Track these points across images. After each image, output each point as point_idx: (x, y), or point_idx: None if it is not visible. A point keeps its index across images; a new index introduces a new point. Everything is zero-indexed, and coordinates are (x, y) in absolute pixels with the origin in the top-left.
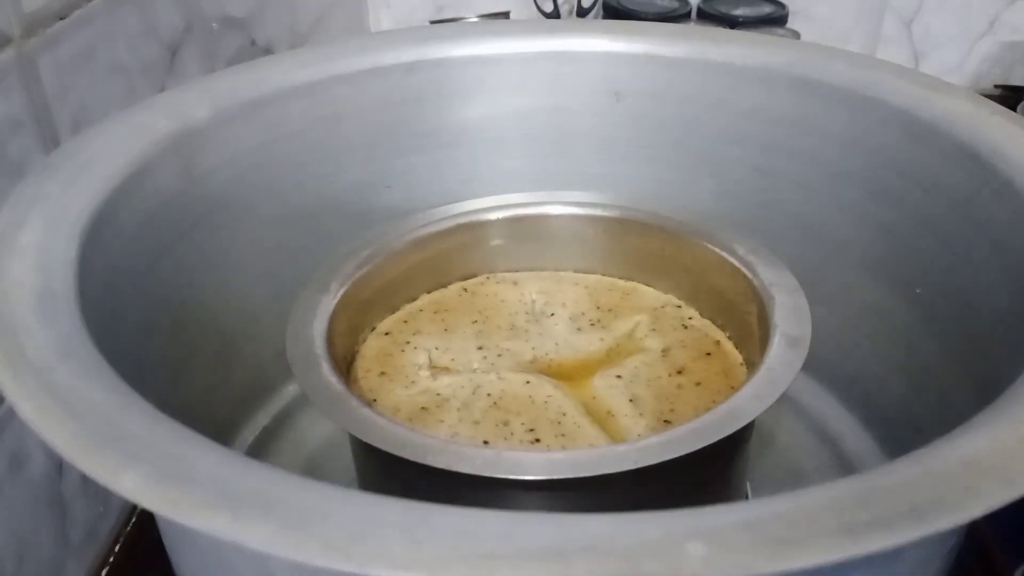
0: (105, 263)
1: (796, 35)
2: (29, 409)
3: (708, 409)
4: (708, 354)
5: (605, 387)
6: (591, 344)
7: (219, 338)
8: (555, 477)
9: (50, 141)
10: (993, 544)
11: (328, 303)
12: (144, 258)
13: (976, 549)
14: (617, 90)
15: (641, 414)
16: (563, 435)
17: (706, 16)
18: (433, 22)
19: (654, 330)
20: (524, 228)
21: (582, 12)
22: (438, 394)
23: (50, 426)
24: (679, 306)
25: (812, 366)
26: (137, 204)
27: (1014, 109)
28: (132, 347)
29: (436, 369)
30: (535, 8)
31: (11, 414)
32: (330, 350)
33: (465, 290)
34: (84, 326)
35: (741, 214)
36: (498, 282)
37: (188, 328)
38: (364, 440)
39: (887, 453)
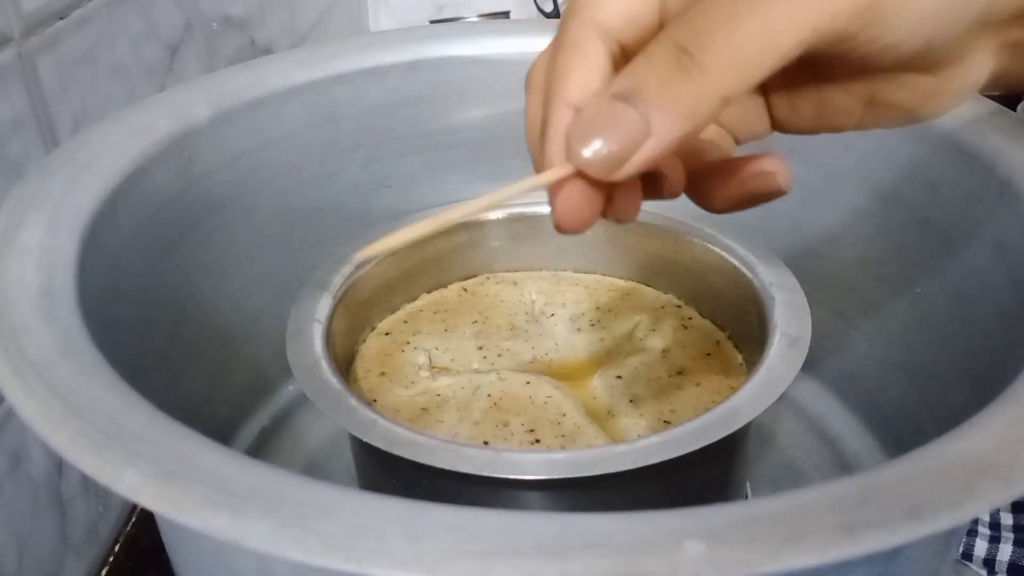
0: (105, 263)
1: None
2: (29, 408)
3: (708, 409)
4: (708, 354)
5: (605, 387)
6: (591, 344)
7: (219, 338)
8: (555, 477)
9: (50, 141)
10: None
11: (328, 303)
12: (144, 258)
13: None
14: None
15: (641, 414)
16: (563, 435)
17: None
18: (433, 22)
19: (654, 330)
20: (524, 228)
21: None
22: (438, 395)
23: (50, 426)
24: (679, 306)
25: (812, 366)
26: (137, 204)
27: (1014, 109)
28: (132, 347)
29: (436, 369)
30: (535, 8)
31: (11, 413)
32: (330, 350)
33: (465, 290)
34: (84, 325)
35: (740, 214)
36: (498, 282)
37: (188, 328)
38: (364, 440)
39: (887, 453)
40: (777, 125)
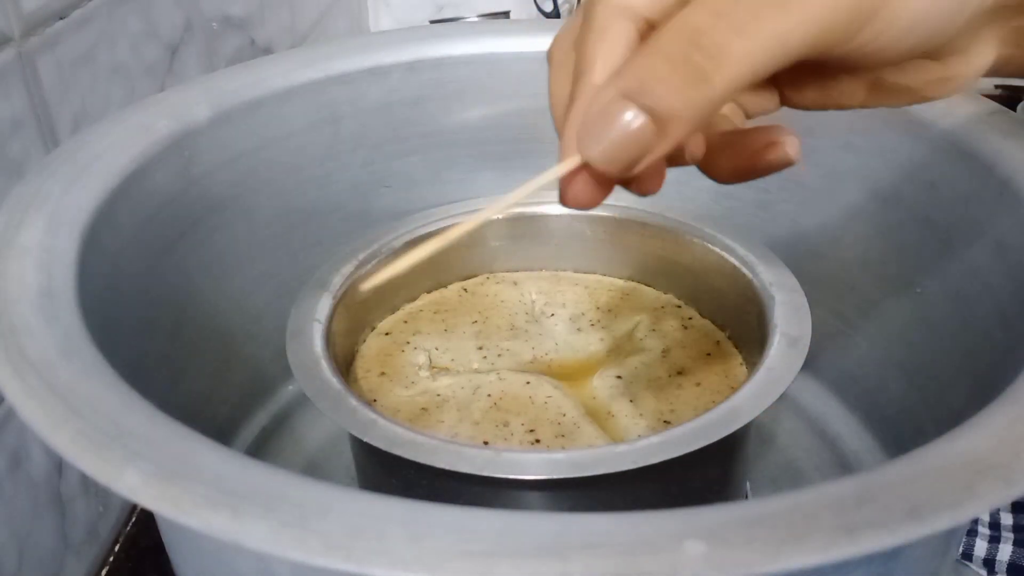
0: (105, 263)
1: None
2: (29, 408)
3: (708, 409)
4: (708, 354)
5: (605, 387)
6: (591, 344)
7: (219, 338)
8: (555, 477)
9: (50, 141)
10: None
11: (328, 303)
12: (144, 258)
13: None
14: None
15: (641, 414)
16: (563, 435)
17: None
18: (433, 22)
19: (654, 330)
20: (524, 228)
21: None
22: (438, 395)
23: (50, 426)
24: (679, 306)
25: (812, 366)
26: (137, 204)
27: (1014, 109)
28: (132, 347)
29: (436, 369)
30: (535, 8)
31: (11, 413)
32: (330, 350)
33: (465, 290)
34: (84, 326)
35: (740, 214)
36: (498, 282)
37: (188, 328)
38: (364, 440)
39: (887, 453)
40: (785, 101)
